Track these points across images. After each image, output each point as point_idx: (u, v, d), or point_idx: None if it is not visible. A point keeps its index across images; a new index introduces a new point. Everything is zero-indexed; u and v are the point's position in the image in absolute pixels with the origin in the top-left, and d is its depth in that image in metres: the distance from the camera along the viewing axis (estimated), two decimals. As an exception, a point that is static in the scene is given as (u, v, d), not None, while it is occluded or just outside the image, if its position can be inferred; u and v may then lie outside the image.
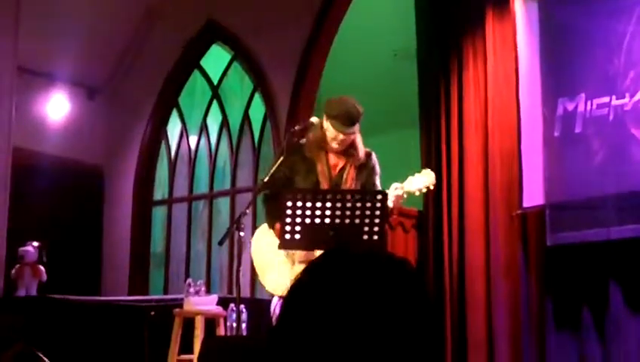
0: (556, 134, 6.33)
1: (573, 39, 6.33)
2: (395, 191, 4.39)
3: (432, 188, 4.53)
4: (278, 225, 4.54)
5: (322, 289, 1.12)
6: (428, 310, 1.16)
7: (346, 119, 4.55)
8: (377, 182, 4.66)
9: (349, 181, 4.61)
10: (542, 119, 6.42)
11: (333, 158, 4.69)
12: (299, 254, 4.46)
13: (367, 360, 1.08)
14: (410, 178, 4.47)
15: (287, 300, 1.15)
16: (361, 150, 4.69)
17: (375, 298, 1.12)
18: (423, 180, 4.47)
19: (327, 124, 4.60)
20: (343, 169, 4.65)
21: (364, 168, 4.67)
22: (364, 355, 1.08)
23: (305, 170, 4.65)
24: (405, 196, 4.48)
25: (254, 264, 4.70)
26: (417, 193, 4.49)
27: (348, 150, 4.66)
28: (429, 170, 4.55)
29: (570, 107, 6.27)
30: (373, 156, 4.75)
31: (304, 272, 1.17)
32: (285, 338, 1.12)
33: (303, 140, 4.71)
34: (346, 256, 1.16)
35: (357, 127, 4.64)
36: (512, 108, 6.59)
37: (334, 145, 4.60)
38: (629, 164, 5.95)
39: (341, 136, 4.58)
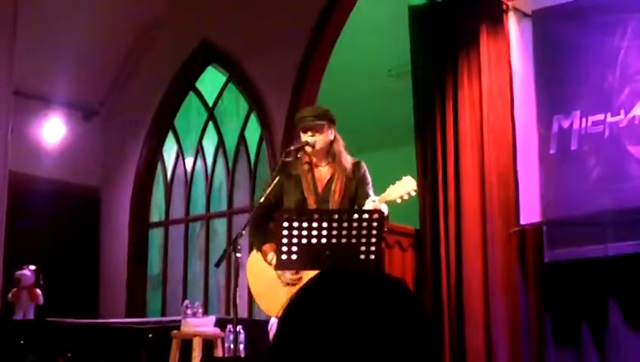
0: (552, 151, 6.34)
1: (568, 56, 6.35)
2: (371, 205, 4.35)
3: (413, 194, 4.40)
4: (264, 247, 4.57)
5: (317, 309, 1.12)
6: (424, 329, 1.15)
7: (304, 117, 4.68)
8: (370, 191, 4.60)
9: (337, 194, 4.58)
10: (537, 136, 6.43)
11: (318, 173, 4.68)
12: (286, 275, 4.47)
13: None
14: (390, 187, 4.42)
15: (283, 319, 1.15)
16: (345, 157, 4.69)
17: (371, 318, 1.11)
18: (402, 188, 4.37)
19: (300, 135, 4.71)
20: (329, 182, 4.64)
21: (353, 178, 4.63)
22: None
23: (292, 188, 4.65)
24: (386, 211, 4.40)
25: (250, 289, 4.71)
26: (399, 200, 4.37)
27: (328, 156, 4.66)
28: (409, 176, 4.44)
29: (566, 124, 6.28)
30: (362, 165, 4.71)
31: (299, 292, 1.16)
32: (281, 358, 1.11)
33: (289, 159, 4.71)
34: (341, 275, 1.16)
35: (326, 129, 4.65)
36: (508, 126, 6.60)
37: (308, 148, 4.62)
38: (625, 180, 5.95)
39: (307, 136, 4.60)
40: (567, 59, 6.35)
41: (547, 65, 6.47)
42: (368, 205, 4.33)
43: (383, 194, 4.39)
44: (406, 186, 4.37)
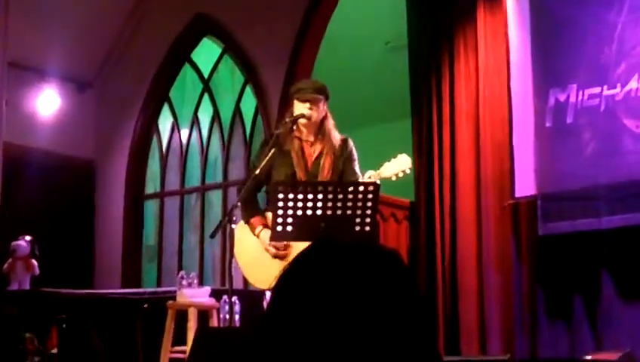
0: (548, 125, 6.34)
1: (565, 29, 6.33)
2: (367, 182, 4.36)
3: (408, 171, 4.45)
4: (252, 220, 4.59)
5: (310, 280, 1.12)
6: (417, 300, 1.16)
7: (303, 88, 4.67)
8: (357, 168, 4.61)
9: (326, 170, 4.58)
10: (533, 110, 6.42)
11: (308, 148, 4.68)
12: (271, 249, 4.49)
13: (356, 352, 1.08)
14: (385, 164, 4.44)
15: (275, 291, 1.15)
16: (335, 134, 4.68)
17: (364, 289, 1.12)
18: (397, 165, 4.41)
19: (294, 106, 4.67)
20: (318, 158, 4.64)
21: (341, 155, 4.63)
22: (353, 347, 1.08)
23: (282, 162, 4.64)
24: (379, 182, 4.41)
25: (238, 261, 4.72)
26: (394, 178, 4.41)
27: (318, 132, 4.65)
28: (404, 154, 4.48)
29: (562, 97, 6.28)
30: (350, 142, 4.70)
31: (293, 262, 1.17)
32: (273, 329, 1.12)
33: (279, 131, 4.70)
34: (334, 246, 1.16)
35: (322, 105, 4.64)
36: (504, 99, 6.60)
37: (303, 120, 4.61)
38: (620, 154, 5.96)
39: (304, 107, 4.58)
40: (565, 32, 6.33)
41: (544, 39, 6.45)
42: (368, 180, 4.37)
43: (378, 171, 4.41)
44: (401, 165, 4.42)
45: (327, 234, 3.91)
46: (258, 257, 4.53)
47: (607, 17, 6.11)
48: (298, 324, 1.10)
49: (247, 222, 4.66)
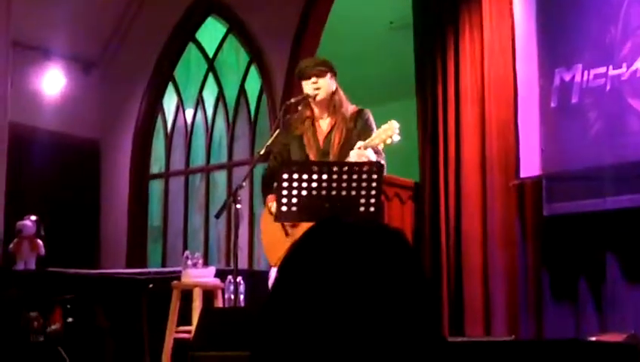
0: (553, 105, 6.32)
1: (570, 9, 6.30)
2: (357, 152, 4.31)
3: (396, 138, 4.30)
4: (269, 197, 4.57)
5: (314, 259, 1.13)
6: (422, 280, 1.16)
7: (305, 66, 4.67)
8: None
9: (336, 145, 4.56)
10: (538, 90, 6.40)
11: (320, 126, 4.67)
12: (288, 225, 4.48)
13: (360, 332, 1.09)
14: (375, 132, 4.40)
15: (280, 270, 1.15)
16: (346, 106, 4.65)
17: (368, 268, 1.12)
18: (384, 132, 4.31)
19: (303, 87, 4.67)
20: (330, 133, 4.63)
21: (354, 127, 4.61)
22: (357, 326, 1.09)
23: (296, 148, 4.64)
24: (368, 149, 4.35)
25: (263, 242, 4.72)
26: (382, 145, 4.32)
27: (329, 106, 4.64)
28: (393, 120, 4.35)
29: (567, 77, 6.26)
30: (365, 112, 4.66)
31: (297, 242, 1.17)
32: (277, 308, 1.12)
33: (288, 115, 4.69)
34: (339, 225, 1.16)
35: (329, 77, 4.62)
36: (509, 79, 6.58)
37: (310, 99, 4.61)
38: (625, 134, 5.94)
39: (310, 83, 4.58)
40: (570, 12, 6.30)
41: (549, 18, 6.42)
42: (353, 153, 4.32)
43: (367, 141, 4.37)
44: (388, 130, 4.31)
45: (332, 215, 3.91)
46: (277, 237, 4.51)
47: (613, -4, 6.08)
48: (302, 304, 1.10)
49: (264, 198, 4.65)
